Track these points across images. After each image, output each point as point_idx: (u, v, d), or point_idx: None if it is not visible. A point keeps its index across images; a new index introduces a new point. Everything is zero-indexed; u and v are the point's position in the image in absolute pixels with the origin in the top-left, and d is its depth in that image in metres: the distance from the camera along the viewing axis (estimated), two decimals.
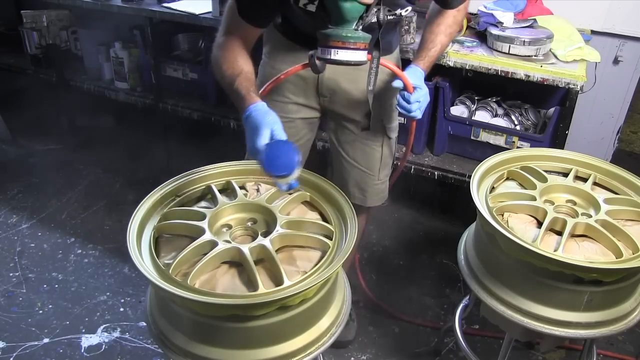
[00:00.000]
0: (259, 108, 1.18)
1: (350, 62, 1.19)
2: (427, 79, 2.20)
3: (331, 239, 1.16)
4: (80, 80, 3.10)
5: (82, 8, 2.84)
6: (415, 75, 1.41)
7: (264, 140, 1.12)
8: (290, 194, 1.31)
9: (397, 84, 1.38)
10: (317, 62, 1.26)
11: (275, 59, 1.60)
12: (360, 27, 1.19)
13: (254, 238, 1.20)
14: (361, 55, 1.20)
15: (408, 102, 1.38)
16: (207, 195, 1.35)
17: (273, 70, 1.58)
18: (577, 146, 2.60)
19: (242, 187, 1.35)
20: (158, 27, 2.72)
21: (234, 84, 1.25)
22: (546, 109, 2.38)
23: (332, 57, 1.18)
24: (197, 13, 2.49)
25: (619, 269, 1.20)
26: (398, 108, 1.41)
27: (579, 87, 1.95)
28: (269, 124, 1.14)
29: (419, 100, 1.37)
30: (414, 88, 1.38)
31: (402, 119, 2.34)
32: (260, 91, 1.26)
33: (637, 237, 1.26)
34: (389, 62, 1.40)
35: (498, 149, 2.14)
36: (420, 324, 2.11)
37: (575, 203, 1.42)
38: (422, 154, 2.42)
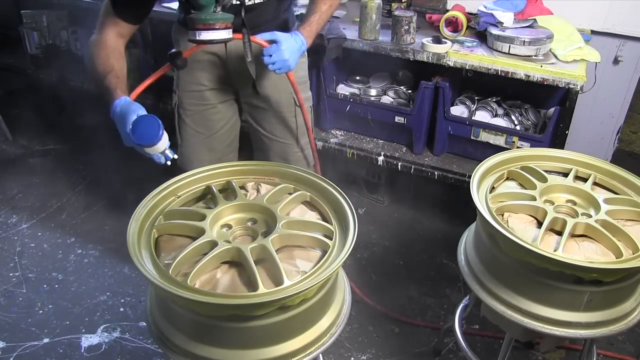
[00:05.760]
0: (123, 101, 1.31)
1: (214, 40, 1.34)
2: (428, 79, 2.23)
3: (331, 239, 1.16)
4: (80, 80, 3.10)
5: (82, 8, 2.84)
6: (280, 35, 1.51)
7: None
8: (290, 193, 1.32)
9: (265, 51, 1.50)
10: (177, 61, 1.45)
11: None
12: (219, 9, 1.34)
13: (254, 238, 1.20)
14: (224, 34, 1.34)
15: (262, 55, 1.50)
16: (207, 195, 1.35)
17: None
18: (577, 146, 2.60)
19: (242, 187, 1.35)
20: (158, 27, 2.72)
21: (105, 81, 1.37)
22: (546, 109, 2.38)
23: (198, 37, 1.33)
24: None
25: (619, 269, 1.20)
26: (264, 64, 1.50)
27: (579, 87, 1.95)
28: (134, 111, 1.26)
29: (271, 55, 1.48)
30: (270, 42, 1.50)
31: (403, 119, 2.35)
32: (131, 94, 1.37)
33: (637, 237, 1.26)
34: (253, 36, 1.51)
35: (498, 149, 2.14)
36: (420, 324, 2.11)
37: (575, 203, 1.42)
38: (422, 154, 2.42)
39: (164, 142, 1.28)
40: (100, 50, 1.43)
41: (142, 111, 1.28)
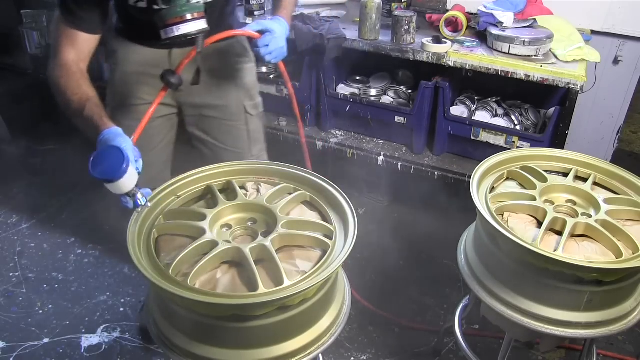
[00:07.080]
0: (112, 132, 1.21)
1: (192, 32, 1.24)
2: (428, 79, 2.23)
3: (331, 239, 1.16)
4: None
5: None
6: (268, 24, 1.47)
7: None
8: (290, 193, 1.32)
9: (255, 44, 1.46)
10: (172, 79, 1.36)
11: (125, 63, 1.62)
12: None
13: (254, 238, 1.20)
14: (201, 24, 1.25)
15: (257, 46, 1.45)
16: (207, 195, 1.35)
17: (124, 75, 1.62)
18: (577, 146, 2.60)
19: (242, 187, 1.35)
20: None
21: (84, 111, 1.27)
22: (546, 109, 2.38)
23: (176, 33, 1.23)
24: None
25: (619, 269, 1.20)
26: (261, 55, 1.46)
27: (579, 87, 1.95)
28: (119, 144, 1.15)
29: (267, 44, 1.44)
30: (262, 33, 1.45)
31: (403, 119, 2.35)
32: (132, 137, 1.26)
33: (637, 237, 1.26)
34: (230, 31, 1.47)
35: (498, 149, 2.14)
36: (420, 328, 2.10)
37: (575, 203, 1.42)
38: (422, 154, 2.42)
39: (129, 181, 1.12)
40: (68, 79, 1.32)
41: (127, 145, 1.15)
